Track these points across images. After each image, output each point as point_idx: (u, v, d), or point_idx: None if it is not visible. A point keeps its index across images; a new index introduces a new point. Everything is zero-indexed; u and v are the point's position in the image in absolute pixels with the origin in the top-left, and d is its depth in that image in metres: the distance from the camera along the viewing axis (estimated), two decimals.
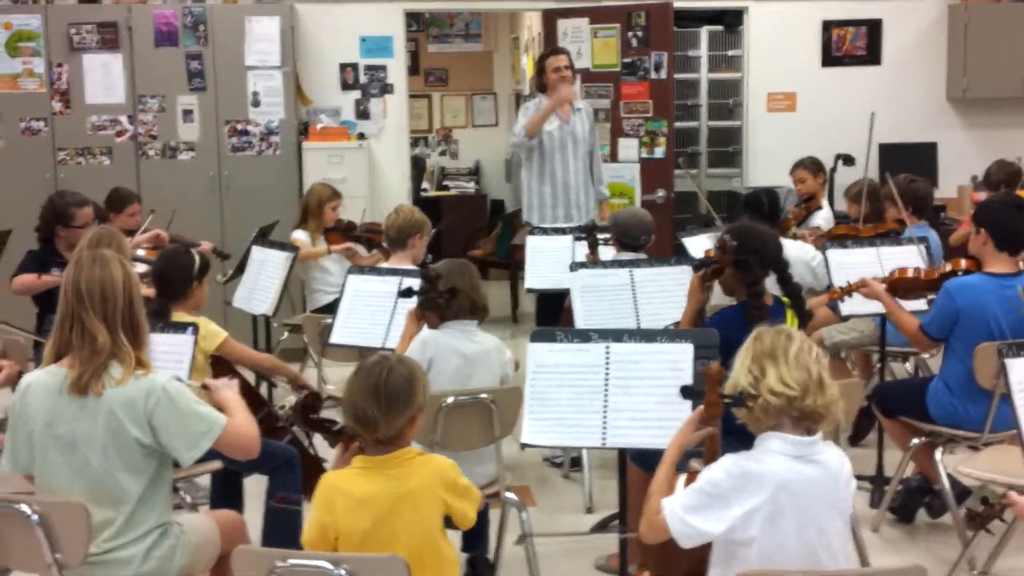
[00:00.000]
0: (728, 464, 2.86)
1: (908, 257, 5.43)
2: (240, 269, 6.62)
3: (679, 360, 3.65)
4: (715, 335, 3.71)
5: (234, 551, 2.93)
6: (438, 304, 4.33)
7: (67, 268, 3.37)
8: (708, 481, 2.86)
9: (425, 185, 12.15)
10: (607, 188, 7.63)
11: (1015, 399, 3.70)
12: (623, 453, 3.83)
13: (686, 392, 3.35)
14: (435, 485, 3.08)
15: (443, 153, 12.85)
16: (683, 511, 2.85)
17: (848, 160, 8.57)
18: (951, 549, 4.71)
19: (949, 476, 4.76)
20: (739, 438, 3.01)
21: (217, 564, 3.61)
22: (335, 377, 6.04)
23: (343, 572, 2.77)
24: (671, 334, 3.79)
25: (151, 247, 6.43)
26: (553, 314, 6.59)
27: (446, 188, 12.41)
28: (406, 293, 4.44)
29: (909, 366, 6.85)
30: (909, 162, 8.52)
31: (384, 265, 5.62)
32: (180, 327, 4.14)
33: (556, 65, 7.24)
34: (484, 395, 4.20)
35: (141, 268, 5.44)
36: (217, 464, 4.36)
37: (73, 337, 3.28)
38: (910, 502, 5.20)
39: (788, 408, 2.81)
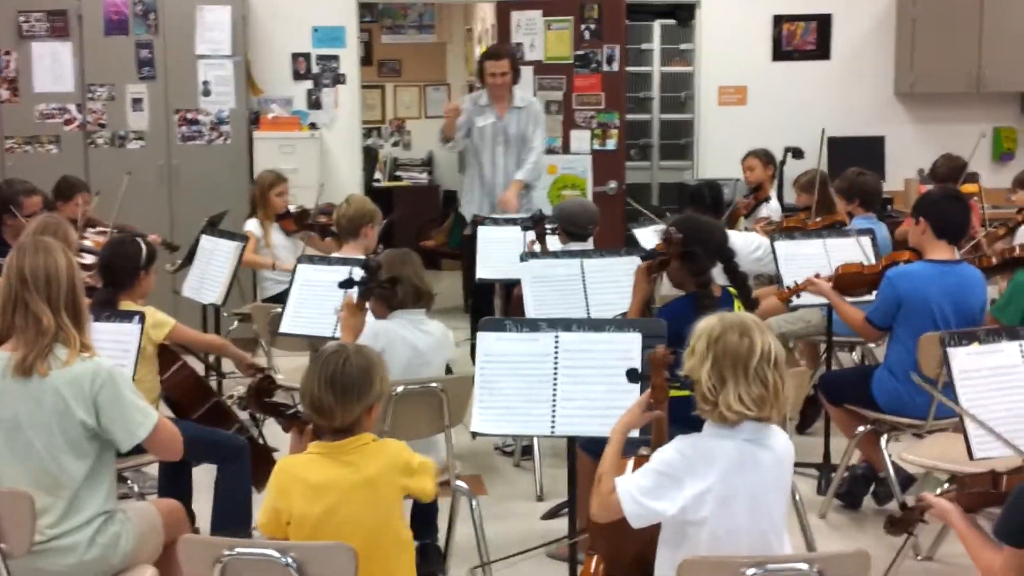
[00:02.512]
0: (681, 444, 2.88)
1: (855, 250, 5.49)
2: (189, 258, 6.59)
3: (627, 349, 3.67)
4: (663, 324, 3.73)
5: (180, 540, 2.92)
6: (381, 294, 4.32)
7: (9, 255, 3.36)
8: (661, 461, 2.88)
9: (378, 176, 12.11)
10: (528, 175, 7.34)
11: (957, 388, 3.75)
12: (572, 441, 3.85)
13: (632, 375, 3.37)
14: (392, 471, 3.08)
15: (396, 144, 12.81)
16: (637, 491, 2.86)
17: (797, 153, 8.64)
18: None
19: (894, 463, 4.83)
20: (686, 427, 3.03)
21: (164, 552, 3.59)
22: (285, 366, 6.02)
23: (290, 560, 2.76)
24: (619, 324, 3.82)
25: (99, 236, 6.39)
26: (488, 304, 6.62)
27: (399, 179, 12.38)
28: (347, 284, 4.42)
29: (856, 355, 6.93)
30: (857, 156, 8.59)
31: (335, 255, 5.61)
32: (127, 316, 4.12)
33: (492, 71, 7.28)
34: (434, 384, 4.21)
35: (89, 259, 5.41)
36: None
37: (16, 320, 3.28)
38: (855, 489, 5.27)
39: (743, 420, 2.83)
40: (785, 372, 2.84)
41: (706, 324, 2.90)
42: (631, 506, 2.86)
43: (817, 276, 5.15)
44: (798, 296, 5.25)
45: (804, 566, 2.67)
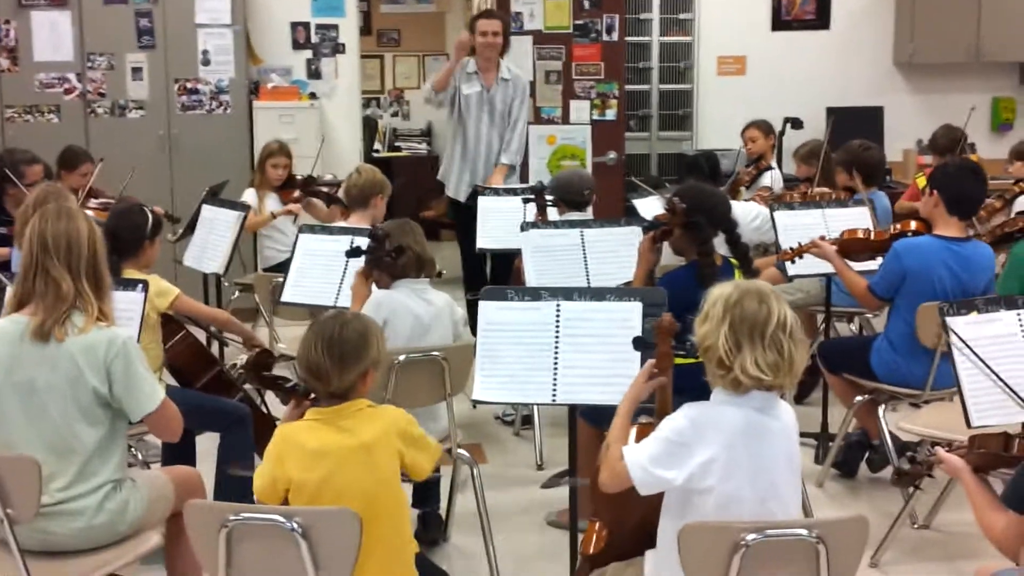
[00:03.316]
0: (690, 411, 2.89)
1: (854, 219, 5.49)
2: (191, 228, 6.60)
3: (628, 318, 3.69)
4: (663, 293, 3.75)
5: (186, 505, 2.94)
6: (387, 263, 4.35)
7: (31, 220, 3.38)
8: (671, 429, 2.88)
9: (377, 146, 12.10)
10: (513, 158, 7.30)
11: (956, 358, 3.78)
12: (573, 410, 3.88)
13: (637, 343, 3.39)
14: (390, 435, 3.11)
15: (395, 114, 12.79)
16: (646, 459, 2.87)
17: (796, 123, 8.65)
18: (893, 503, 4.82)
19: (890, 433, 4.87)
20: (690, 396, 3.06)
21: (173, 519, 3.63)
22: (286, 336, 6.05)
23: (295, 525, 2.79)
24: (620, 292, 3.83)
25: (100, 208, 6.40)
26: (481, 273, 6.63)
27: (398, 149, 12.37)
28: (354, 253, 4.45)
29: (854, 326, 6.96)
30: (856, 126, 8.59)
31: (341, 224, 5.62)
32: (130, 284, 4.13)
33: (484, 29, 7.14)
34: (436, 352, 4.24)
35: None
36: None
37: (37, 285, 3.33)
38: (850, 457, 5.31)
39: (757, 386, 2.85)
40: (799, 342, 2.85)
41: (722, 290, 2.89)
42: (639, 474, 2.87)
43: (822, 238, 5.15)
44: (801, 257, 5.22)
45: (803, 532, 2.70)
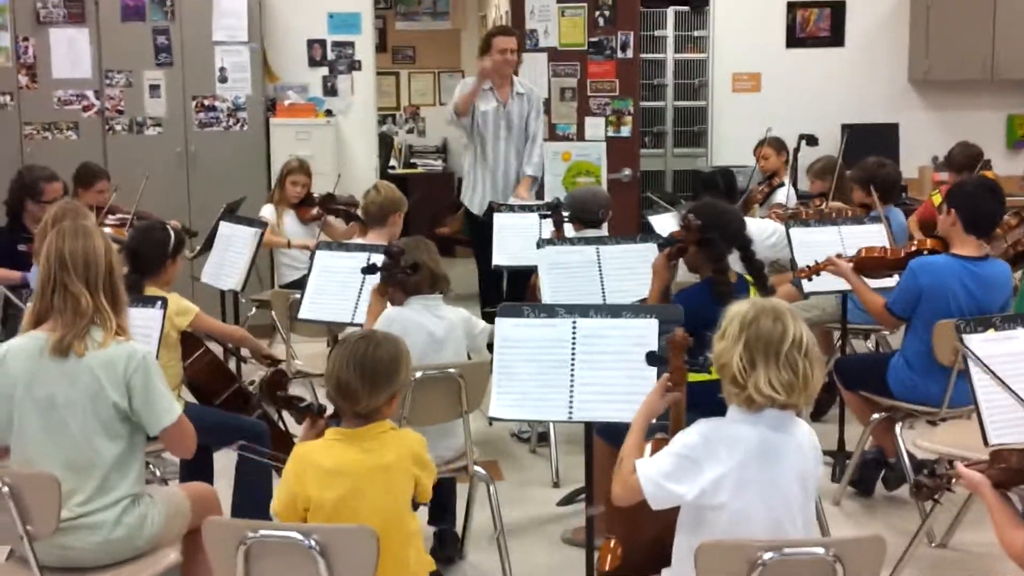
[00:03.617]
0: (704, 428, 2.90)
1: (870, 236, 5.50)
2: (208, 244, 6.62)
3: (644, 335, 3.69)
4: (679, 310, 3.76)
5: (204, 522, 2.96)
6: (401, 280, 4.36)
7: (48, 238, 3.42)
8: (683, 444, 2.89)
9: (392, 163, 12.15)
10: (537, 170, 7.39)
11: (973, 375, 3.77)
12: (589, 427, 3.88)
13: (651, 358, 3.39)
14: (408, 460, 3.12)
15: (410, 131, 12.85)
16: (657, 474, 2.88)
17: (811, 140, 8.63)
18: (909, 522, 4.81)
19: (907, 451, 4.86)
20: (703, 413, 3.06)
21: (189, 537, 3.65)
22: (303, 352, 6.07)
23: (313, 543, 2.80)
24: (636, 309, 3.84)
25: (118, 225, 6.44)
26: (498, 291, 6.64)
27: (413, 166, 12.42)
28: (370, 269, 4.46)
29: (870, 343, 6.95)
30: (871, 143, 8.59)
31: (358, 241, 5.64)
32: (149, 301, 4.16)
33: (502, 47, 7.19)
34: (452, 369, 4.25)
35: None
36: None
37: (55, 301, 3.37)
38: (867, 475, 5.30)
39: (771, 405, 2.86)
40: (815, 361, 2.85)
41: (739, 308, 2.91)
42: (651, 488, 2.88)
43: (839, 256, 5.15)
44: (818, 275, 5.23)
45: (820, 551, 2.70)
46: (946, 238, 4.87)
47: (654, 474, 2.89)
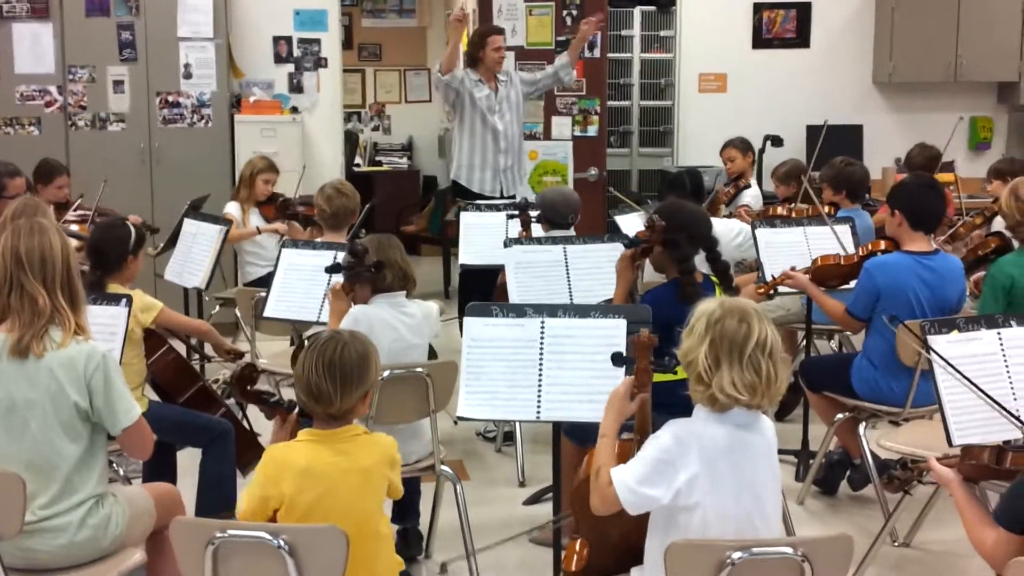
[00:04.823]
0: (675, 429, 2.90)
1: (834, 238, 5.53)
2: (172, 242, 6.59)
3: (613, 335, 3.70)
4: (647, 311, 3.77)
5: (172, 522, 2.93)
6: (366, 278, 4.34)
7: (3, 236, 3.38)
8: (657, 447, 2.89)
9: (358, 160, 12.12)
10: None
11: (937, 376, 3.80)
12: (557, 427, 3.89)
13: (617, 359, 3.39)
14: (383, 464, 3.11)
15: (376, 128, 12.82)
16: (633, 480, 2.87)
17: (777, 141, 8.71)
18: (873, 521, 4.85)
19: (871, 451, 4.89)
20: (670, 413, 3.07)
21: (153, 537, 3.62)
22: (267, 351, 6.04)
23: (282, 542, 2.79)
24: (605, 310, 3.84)
25: (80, 221, 6.38)
26: (474, 291, 6.62)
27: (379, 163, 12.39)
28: (333, 269, 4.44)
29: (833, 343, 6.99)
30: (836, 144, 8.65)
31: (320, 239, 5.61)
32: (114, 299, 4.13)
33: (497, 44, 7.39)
34: (420, 369, 4.24)
35: (73, 243, 5.40)
36: None
37: (12, 301, 3.31)
38: (831, 475, 5.34)
39: (734, 405, 2.87)
40: (780, 362, 2.87)
41: (706, 306, 2.92)
42: (627, 495, 2.88)
43: (793, 269, 5.19)
44: (775, 291, 5.29)
45: (788, 550, 2.71)
46: (896, 238, 4.94)
47: (629, 481, 2.88)
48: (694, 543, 2.78)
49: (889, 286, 4.79)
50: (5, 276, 3.32)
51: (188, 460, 4.72)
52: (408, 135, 12.65)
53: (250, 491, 3.08)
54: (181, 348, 4.93)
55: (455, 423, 5.64)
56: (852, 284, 5.09)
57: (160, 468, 4.66)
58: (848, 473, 5.32)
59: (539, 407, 3.72)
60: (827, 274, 5.18)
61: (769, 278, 5.33)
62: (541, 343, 3.76)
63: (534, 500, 5.25)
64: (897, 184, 5.24)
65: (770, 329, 2.89)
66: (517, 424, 5.57)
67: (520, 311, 3.83)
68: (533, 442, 5.71)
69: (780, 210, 6.62)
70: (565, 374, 3.72)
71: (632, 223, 6.20)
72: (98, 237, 4.59)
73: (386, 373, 4.12)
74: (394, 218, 11.05)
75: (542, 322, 3.78)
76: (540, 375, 3.74)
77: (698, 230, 4.38)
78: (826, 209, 6.12)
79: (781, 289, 5.43)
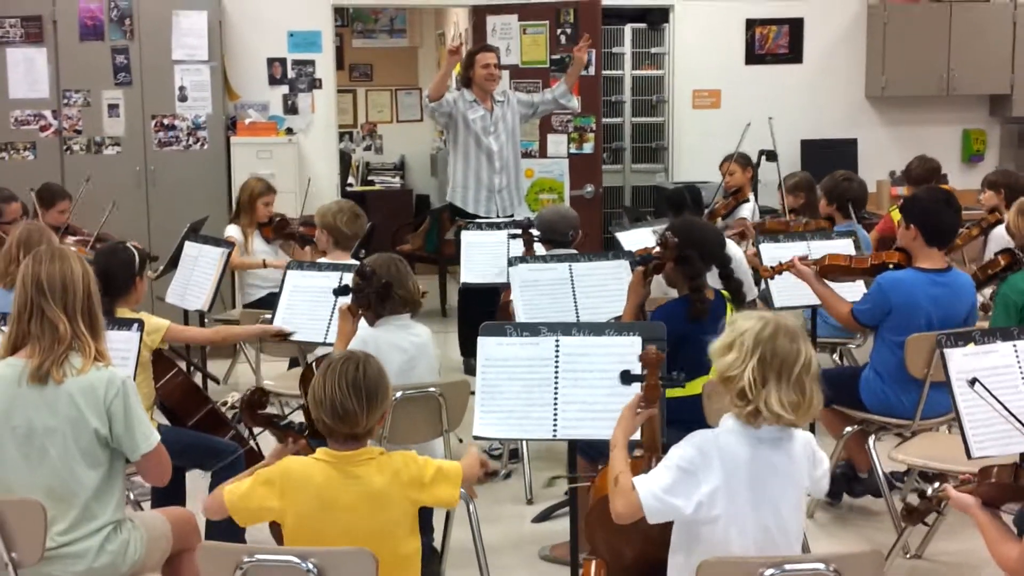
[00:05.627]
0: (698, 440, 2.90)
1: (839, 250, 5.53)
2: (172, 264, 6.57)
3: (627, 352, 3.70)
4: (662, 328, 3.77)
5: (199, 547, 2.93)
6: (375, 300, 4.32)
7: (24, 262, 3.38)
8: (680, 457, 2.89)
9: (350, 180, 12.10)
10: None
11: (955, 389, 3.81)
12: (573, 445, 3.88)
13: (625, 377, 3.39)
14: (398, 486, 3.05)
15: (368, 148, 12.81)
16: (658, 488, 2.87)
17: (771, 156, 8.72)
18: (883, 533, 4.86)
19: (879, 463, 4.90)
20: (683, 428, 3.07)
21: (170, 562, 3.61)
22: (270, 373, 6.02)
23: (311, 566, 2.78)
24: (619, 327, 3.85)
25: (80, 244, 6.37)
26: (474, 310, 6.62)
27: (371, 183, 12.37)
28: (342, 291, 4.42)
29: (836, 356, 7.00)
30: (830, 158, 8.74)
31: (325, 260, 5.60)
32: (126, 323, 4.11)
33: (486, 62, 7.39)
34: (432, 388, 4.23)
35: None
36: None
37: (32, 327, 3.30)
38: (837, 488, 5.33)
39: (775, 422, 2.87)
40: (818, 383, 2.88)
41: (753, 323, 2.89)
42: (651, 501, 2.86)
43: (801, 259, 5.16)
44: (780, 274, 5.26)
45: (821, 566, 2.71)
46: (909, 251, 4.91)
47: (655, 489, 2.88)
48: (725, 560, 2.78)
49: (901, 305, 4.77)
50: (26, 302, 3.31)
51: (198, 483, 4.69)
52: (400, 154, 12.65)
53: (248, 490, 3.05)
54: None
55: (460, 441, 5.64)
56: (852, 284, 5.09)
57: (170, 491, 4.60)
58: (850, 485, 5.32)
59: (555, 425, 3.72)
60: (833, 272, 5.14)
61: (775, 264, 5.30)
62: (556, 361, 3.76)
63: (543, 517, 5.24)
64: (911, 197, 5.23)
65: (812, 351, 2.91)
66: (522, 441, 5.55)
67: (534, 330, 3.83)
68: (539, 459, 5.69)
69: (790, 223, 6.63)
70: (581, 392, 3.72)
71: (635, 239, 6.20)
72: (105, 262, 4.56)
73: (399, 393, 4.12)
74: (388, 237, 11.02)
75: (556, 340, 3.78)
76: (556, 393, 3.74)
77: (711, 247, 4.41)
78: (823, 223, 6.16)
79: (785, 302, 5.46)
